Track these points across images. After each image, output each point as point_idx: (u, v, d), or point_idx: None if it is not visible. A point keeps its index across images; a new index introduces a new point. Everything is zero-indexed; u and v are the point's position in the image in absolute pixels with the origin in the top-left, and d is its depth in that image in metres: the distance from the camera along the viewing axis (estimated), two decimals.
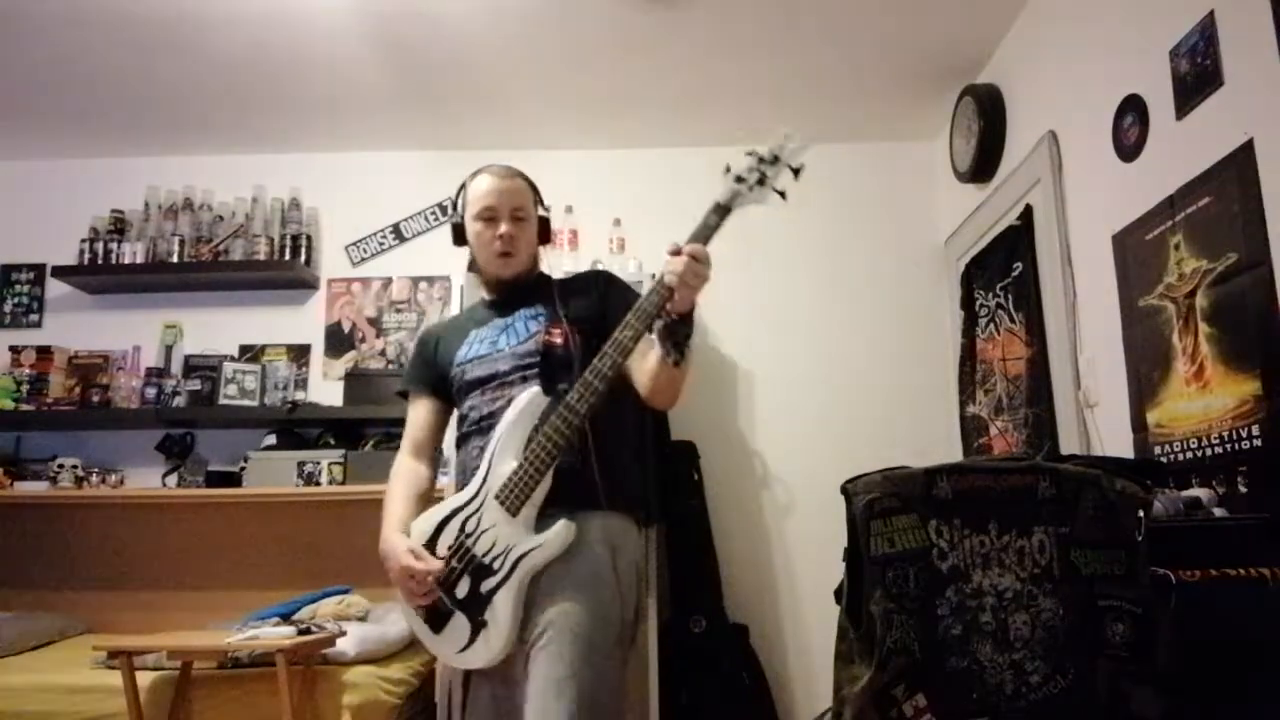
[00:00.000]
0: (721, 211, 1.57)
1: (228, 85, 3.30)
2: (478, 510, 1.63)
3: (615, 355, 1.57)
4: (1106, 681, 1.42)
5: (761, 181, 1.56)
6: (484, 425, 1.72)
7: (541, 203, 1.95)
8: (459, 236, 1.93)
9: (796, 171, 1.56)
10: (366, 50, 3.08)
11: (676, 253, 1.53)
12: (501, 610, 1.57)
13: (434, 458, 1.93)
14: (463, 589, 1.62)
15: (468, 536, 1.63)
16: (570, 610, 1.54)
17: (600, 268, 2.01)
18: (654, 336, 1.60)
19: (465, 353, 1.85)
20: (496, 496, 1.61)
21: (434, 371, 1.91)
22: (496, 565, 1.58)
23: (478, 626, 1.60)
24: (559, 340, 1.75)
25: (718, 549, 3.41)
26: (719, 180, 1.63)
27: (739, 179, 1.57)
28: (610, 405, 1.63)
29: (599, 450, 1.67)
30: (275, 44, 3.03)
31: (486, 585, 1.59)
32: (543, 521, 1.60)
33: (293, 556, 3.34)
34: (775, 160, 1.56)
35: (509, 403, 1.68)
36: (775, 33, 3.01)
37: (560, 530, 1.56)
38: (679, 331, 1.58)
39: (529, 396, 1.65)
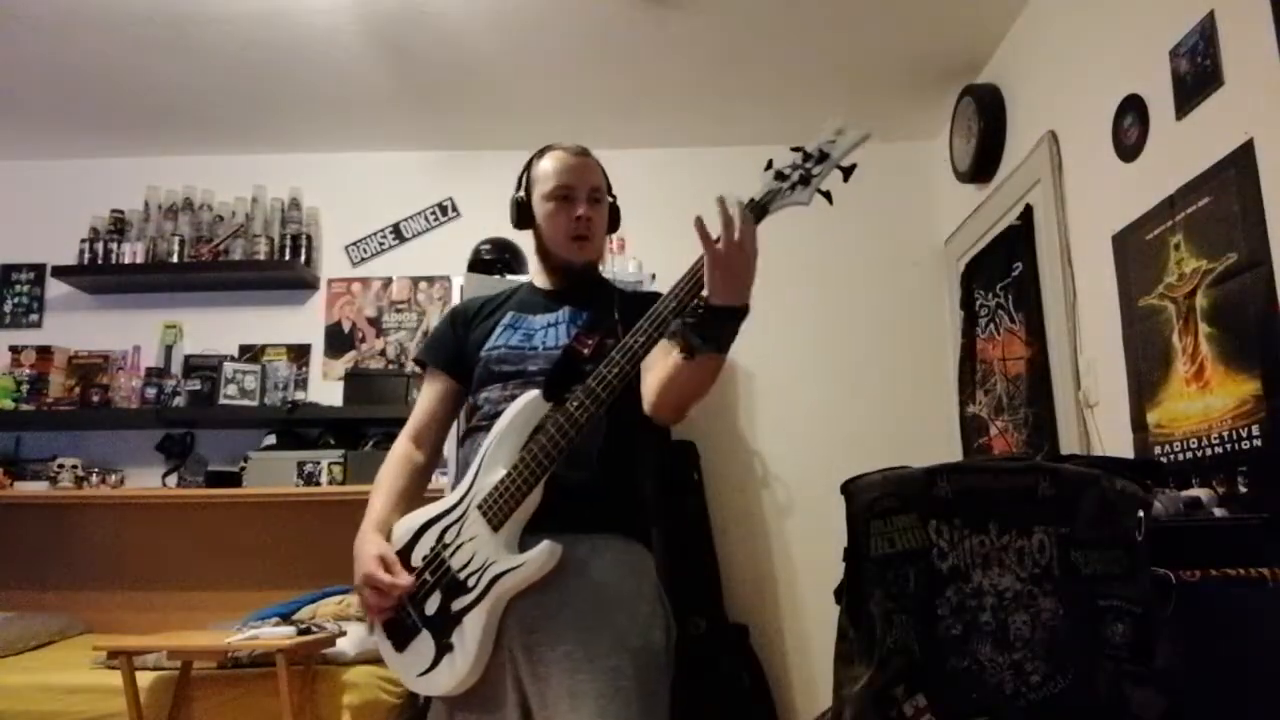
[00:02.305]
0: (756, 212, 1.34)
1: (228, 85, 3.30)
2: (459, 519, 1.46)
3: (624, 363, 1.38)
4: (1106, 681, 1.42)
5: (805, 180, 1.35)
6: (493, 423, 1.54)
7: (610, 187, 1.77)
8: (522, 217, 1.72)
9: (847, 172, 1.37)
10: (366, 50, 3.08)
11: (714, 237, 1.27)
12: (470, 634, 1.41)
13: (436, 447, 1.74)
14: (432, 605, 1.45)
15: (445, 547, 1.46)
16: (586, 651, 1.37)
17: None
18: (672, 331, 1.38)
19: (496, 340, 1.65)
20: (479, 507, 1.44)
21: (458, 350, 1.70)
22: (471, 583, 1.42)
23: (443, 649, 1.43)
24: (586, 351, 1.55)
25: (718, 549, 3.41)
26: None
27: (779, 175, 1.36)
28: (629, 413, 1.48)
29: (610, 466, 1.50)
30: (275, 44, 3.03)
31: (458, 604, 1.43)
32: (532, 542, 1.42)
33: (293, 556, 3.34)
34: (823, 158, 1.36)
35: None
36: (775, 33, 3.01)
37: (542, 552, 1.38)
38: (714, 324, 1.30)
39: (526, 400, 1.47)
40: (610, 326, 1.57)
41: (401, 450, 1.71)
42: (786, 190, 1.35)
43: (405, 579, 1.47)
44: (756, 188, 1.37)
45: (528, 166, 1.74)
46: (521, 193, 1.73)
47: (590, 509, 1.47)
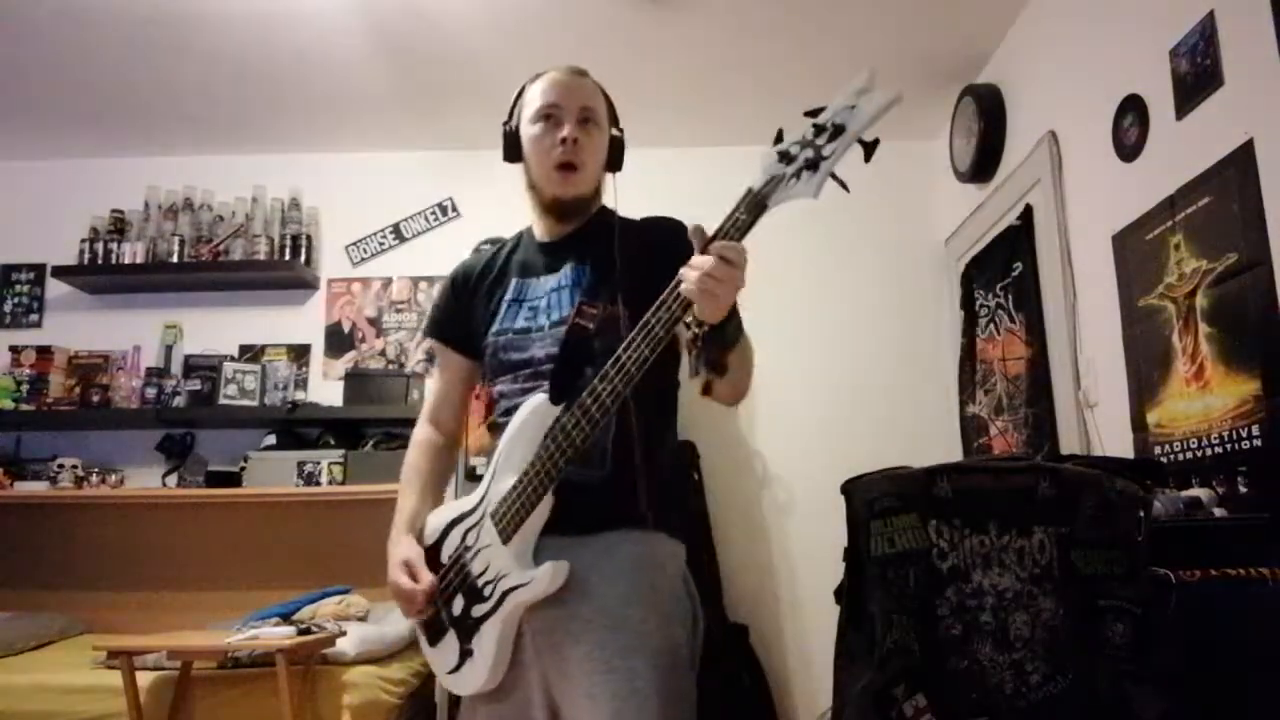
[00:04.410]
0: (754, 206, 1.16)
1: (228, 85, 3.30)
2: (477, 524, 1.42)
3: (619, 382, 1.27)
4: (1106, 681, 1.41)
5: (814, 164, 1.12)
6: (509, 421, 1.47)
7: (616, 120, 1.58)
8: (511, 149, 1.55)
9: (869, 149, 1.11)
10: (366, 50, 3.08)
11: (703, 246, 1.18)
12: (487, 642, 1.38)
13: (456, 424, 1.67)
14: (457, 607, 1.43)
15: (466, 550, 1.43)
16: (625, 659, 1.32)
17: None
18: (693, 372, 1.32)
19: (501, 322, 1.53)
20: (492, 515, 1.40)
21: (464, 322, 1.59)
22: (487, 592, 1.38)
23: (465, 653, 1.42)
24: (590, 325, 1.41)
25: (718, 549, 3.41)
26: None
27: (784, 155, 1.15)
28: (642, 403, 1.38)
29: (623, 460, 1.40)
30: (275, 44, 3.03)
31: (476, 611, 1.40)
32: (548, 552, 1.37)
33: (293, 556, 3.34)
34: (838, 132, 1.12)
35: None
36: (774, 33, 3.01)
37: (547, 573, 1.33)
38: (712, 346, 1.28)
39: (533, 407, 1.39)
40: (611, 289, 1.44)
41: (422, 435, 1.65)
42: (791, 178, 1.14)
43: (425, 583, 1.44)
44: (756, 173, 1.17)
45: (519, 94, 1.57)
46: (512, 122, 1.56)
47: (605, 507, 1.40)
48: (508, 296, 1.55)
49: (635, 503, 1.41)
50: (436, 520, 1.52)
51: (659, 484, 1.45)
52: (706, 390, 1.36)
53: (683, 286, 1.19)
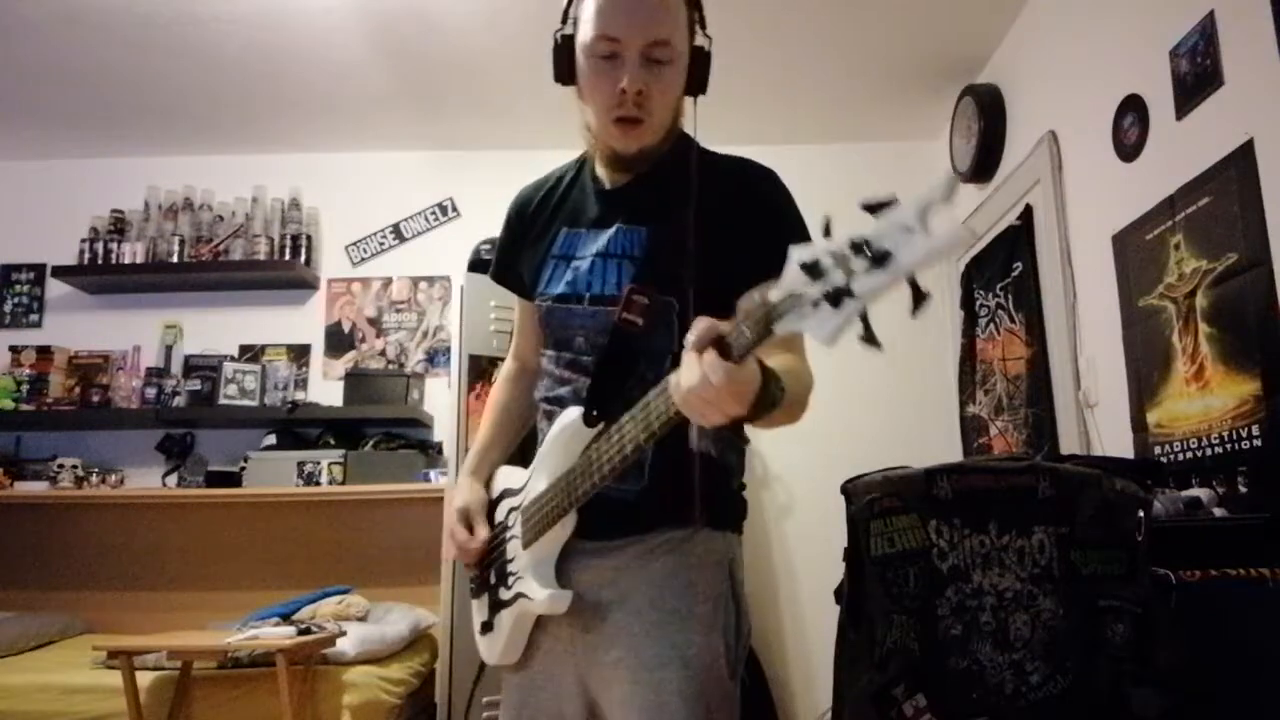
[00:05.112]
0: (760, 326, 0.86)
1: (228, 85, 3.30)
2: (515, 509, 1.33)
3: (642, 433, 1.07)
4: (1106, 681, 1.42)
5: (836, 299, 0.78)
6: (550, 410, 1.33)
7: (703, 24, 1.27)
8: (563, 66, 1.29)
9: (919, 298, 0.74)
10: (366, 50, 3.08)
11: (699, 349, 0.92)
12: (503, 627, 1.35)
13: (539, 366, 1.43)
14: (493, 577, 1.38)
15: (505, 530, 1.35)
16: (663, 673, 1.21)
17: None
18: None
19: (547, 280, 1.34)
20: (523, 512, 1.30)
21: (522, 263, 1.41)
22: (510, 582, 1.33)
23: (487, 625, 1.38)
24: (638, 320, 1.20)
25: None
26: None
27: (811, 268, 0.80)
28: None
29: (661, 471, 1.24)
30: (275, 44, 3.03)
31: (501, 594, 1.35)
32: (581, 557, 1.27)
33: (293, 556, 3.34)
34: (883, 259, 0.74)
35: (573, 395, 1.28)
36: (775, 33, 3.02)
37: (546, 598, 1.24)
38: (723, 433, 1.15)
39: (566, 423, 1.24)
40: (671, 270, 1.20)
41: (507, 369, 1.53)
42: (808, 306, 0.80)
43: (479, 540, 1.37)
44: (776, 284, 0.83)
45: None
46: (567, 29, 1.29)
47: (642, 514, 1.27)
48: (555, 250, 1.35)
49: (676, 505, 1.27)
50: (499, 481, 1.43)
51: (705, 481, 1.27)
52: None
53: (670, 387, 0.98)
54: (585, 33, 1.23)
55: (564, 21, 1.28)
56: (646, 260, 1.25)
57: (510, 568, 1.33)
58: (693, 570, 1.27)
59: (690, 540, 1.28)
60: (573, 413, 1.24)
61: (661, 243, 1.24)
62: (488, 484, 1.45)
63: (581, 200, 1.36)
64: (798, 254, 0.81)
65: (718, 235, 1.20)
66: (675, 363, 0.99)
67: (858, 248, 0.77)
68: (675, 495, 1.25)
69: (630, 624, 1.25)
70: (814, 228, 0.86)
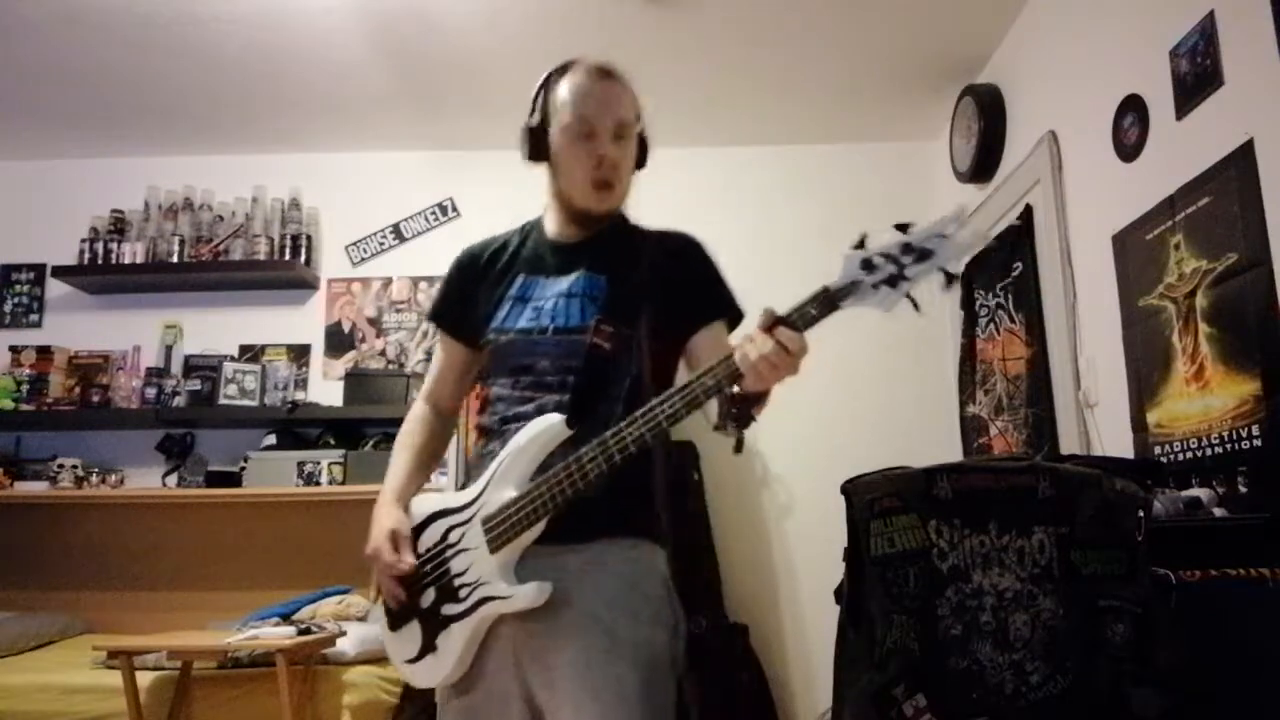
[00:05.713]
0: (827, 304, 1.20)
1: (228, 85, 3.31)
2: (464, 524, 1.40)
3: (646, 431, 1.28)
4: (1106, 681, 1.42)
5: (894, 281, 1.17)
6: (505, 429, 1.44)
7: (640, 115, 1.53)
8: (535, 148, 1.50)
9: (950, 279, 1.17)
10: (367, 50, 3.08)
11: (768, 327, 1.19)
12: (455, 643, 1.38)
13: (453, 408, 1.66)
14: (426, 600, 1.41)
15: (448, 546, 1.41)
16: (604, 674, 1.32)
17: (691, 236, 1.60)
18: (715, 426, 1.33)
19: (503, 319, 1.50)
20: (484, 520, 1.37)
21: (469, 309, 1.56)
22: (462, 594, 1.37)
23: (428, 647, 1.41)
24: (607, 345, 1.41)
25: (718, 549, 3.41)
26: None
27: (866, 264, 1.18)
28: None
29: (620, 474, 1.35)
30: (275, 44, 3.03)
31: (447, 609, 1.39)
32: (536, 560, 1.36)
33: (293, 556, 3.34)
34: (924, 256, 1.16)
35: (538, 410, 1.40)
36: (775, 33, 3.01)
37: (530, 590, 1.32)
38: (747, 405, 1.29)
39: (546, 425, 1.36)
40: (629, 309, 1.43)
41: (418, 410, 1.63)
42: (870, 287, 1.17)
43: (409, 562, 1.42)
44: (836, 271, 1.18)
45: (545, 85, 1.51)
46: (536, 117, 1.50)
47: (597, 517, 1.39)
48: (512, 293, 1.51)
49: (627, 513, 1.44)
50: (420, 507, 1.49)
51: (649, 490, 1.47)
52: (719, 427, 1.36)
53: (736, 357, 1.21)
54: (565, 117, 1.47)
55: (533, 111, 1.51)
56: (609, 300, 1.46)
57: (461, 581, 1.39)
58: (641, 576, 1.43)
59: (637, 548, 1.45)
60: (552, 418, 1.37)
61: (620, 287, 1.46)
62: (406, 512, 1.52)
63: (538, 253, 1.55)
64: (859, 255, 1.18)
65: (663, 284, 1.46)
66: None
67: (906, 248, 1.16)
68: (628, 503, 1.43)
69: (584, 624, 1.35)
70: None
